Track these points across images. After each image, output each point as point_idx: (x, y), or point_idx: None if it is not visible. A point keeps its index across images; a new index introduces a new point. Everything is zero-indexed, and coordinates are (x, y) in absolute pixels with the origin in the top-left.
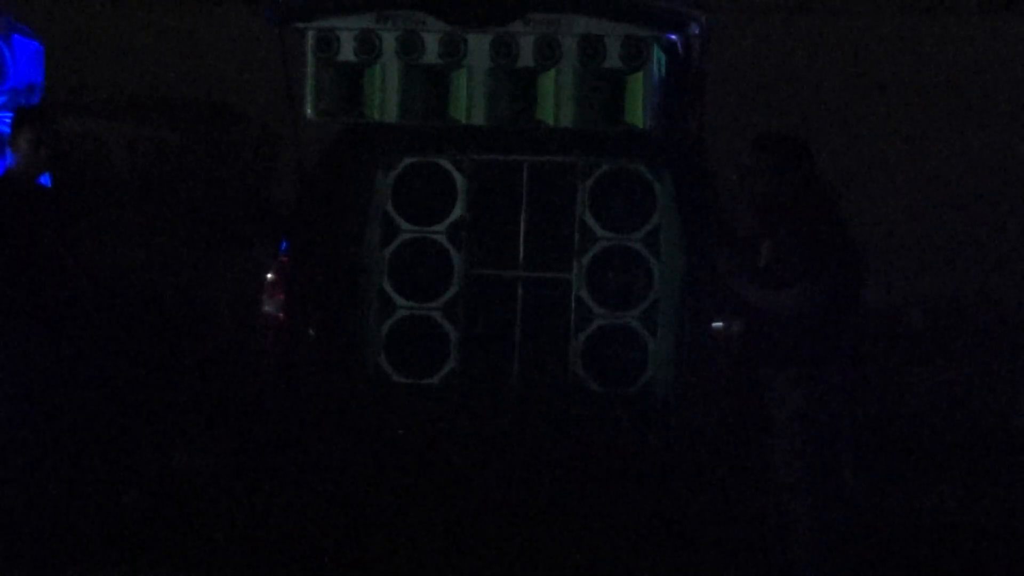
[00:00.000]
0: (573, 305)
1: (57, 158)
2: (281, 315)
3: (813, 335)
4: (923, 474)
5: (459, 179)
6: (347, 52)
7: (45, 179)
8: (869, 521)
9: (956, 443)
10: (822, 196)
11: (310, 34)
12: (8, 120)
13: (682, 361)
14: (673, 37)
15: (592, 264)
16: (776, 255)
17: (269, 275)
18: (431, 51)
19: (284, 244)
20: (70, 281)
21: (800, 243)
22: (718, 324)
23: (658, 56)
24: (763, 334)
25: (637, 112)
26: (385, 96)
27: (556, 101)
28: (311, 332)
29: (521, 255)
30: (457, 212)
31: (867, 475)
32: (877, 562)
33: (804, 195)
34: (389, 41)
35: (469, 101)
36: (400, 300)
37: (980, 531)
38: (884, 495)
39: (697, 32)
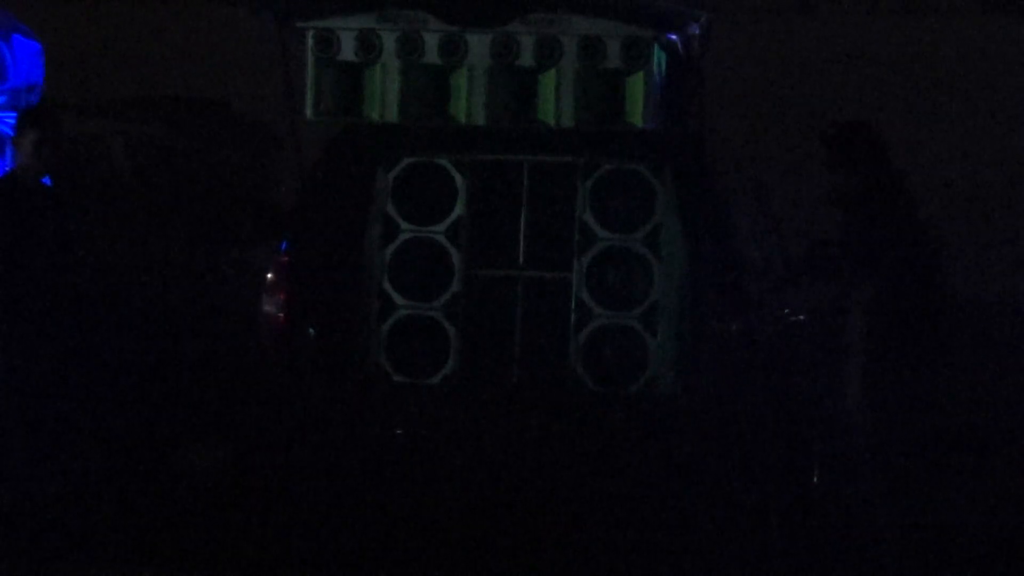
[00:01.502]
0: (573, 305)
1: (60, 159)
2: (281, 315)
3: (869, 332)
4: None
5: (459, 179)
6: (347, 52)
7: (45, 179)
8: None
9: None
10: (896, 194)
11: (310, 34)
12: (8, 120)
13: (683, 360)
14: (673, 37)
15: (592, 264)
16: (831, 248)
17: (269, 275)
18: (431, 51)
19: (284, 244)
20: (72, 280)
21: (854, 240)
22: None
23: (658, 56)
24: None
25: (637, 112)
26: (385, 96)
27: (556, 101)
28: (311, 332)
29: (521, 255)
30: (457, 212)
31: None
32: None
33: (875, 191)
34: (389, 41)
35: (469, 101)
36: (400, 300)
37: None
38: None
39: (697, 32)
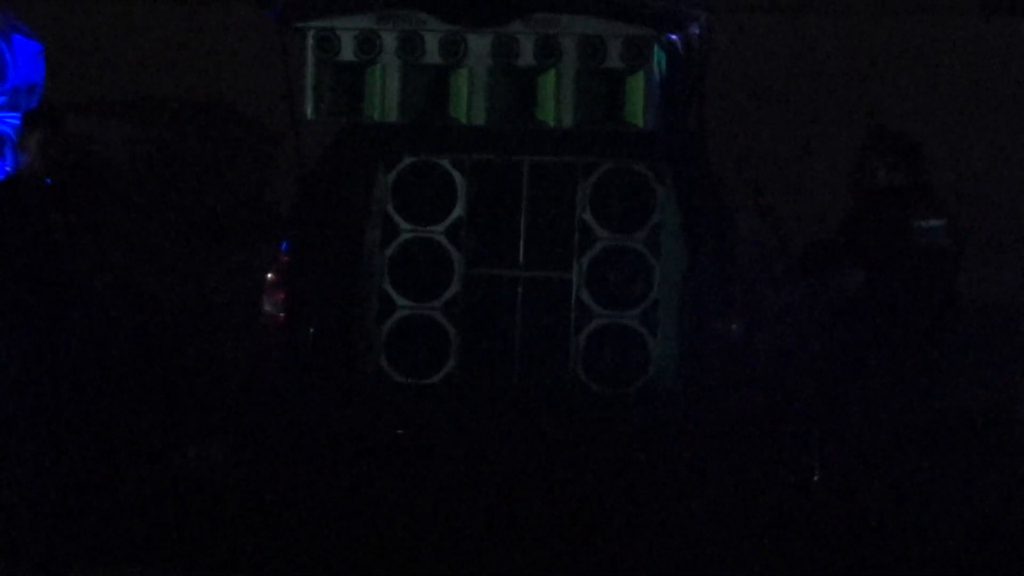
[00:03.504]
0: (573, 305)
1: (65, 159)
2: (281, 315)
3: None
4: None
5: (459, 179)
6: (347, 52)
7: (46, 179)
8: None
9: None
10: (901, 200)
11: (310, 34)
12: (8, 120)
13: (683, 360)
14: (673, 37)
15: (592, 264)
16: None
17: (269, 275)
18: (431, 51)
19: (284, 244)
20: (75, 279)
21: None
22: None
23: (658, 56)
24: None
25: (637, 112)
26: (385, 96)
27: (556, 101)
28: (311, 332)
29: (521, 255)
30: (457, 212)
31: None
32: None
33: (884, 194)
34: (389, 41)
35: (469, 101)
36: (400, 300)
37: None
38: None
39: (697, 32)
